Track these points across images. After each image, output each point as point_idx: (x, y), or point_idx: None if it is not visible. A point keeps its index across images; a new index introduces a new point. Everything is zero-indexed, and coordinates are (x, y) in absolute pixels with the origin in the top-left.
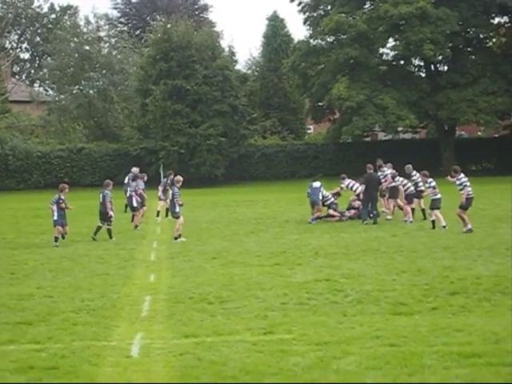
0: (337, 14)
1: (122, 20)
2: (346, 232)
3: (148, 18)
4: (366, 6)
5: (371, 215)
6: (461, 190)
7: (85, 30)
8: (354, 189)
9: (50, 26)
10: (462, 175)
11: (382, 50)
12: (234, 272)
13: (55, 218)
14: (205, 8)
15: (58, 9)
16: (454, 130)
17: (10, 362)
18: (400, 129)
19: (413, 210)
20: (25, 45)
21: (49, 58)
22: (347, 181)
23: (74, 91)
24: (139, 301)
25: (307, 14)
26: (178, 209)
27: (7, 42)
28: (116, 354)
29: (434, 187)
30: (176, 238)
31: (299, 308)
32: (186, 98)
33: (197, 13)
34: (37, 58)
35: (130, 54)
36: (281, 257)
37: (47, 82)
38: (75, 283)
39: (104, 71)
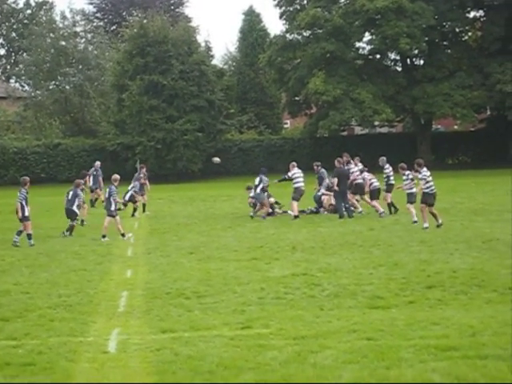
0: (313, 8)
1: (98, 15)
2: (323, 226)
3: (124, 13)
4: (342, 1)
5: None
6: (422, 183)
7: (61, 25)
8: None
9: (25, 21)
10: (425, 169)
11: (358, 45)
12: (211, 267)
13: (27, 213)
14: (180, 3)
15: (33, 4)
16: (431, 123)
17: None
18: (376, 123)
19: (390, 204)
20: (0, 40)
21: (25, 54)
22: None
23: (50, 87)
24: (116, 296)
25: (283, 8)
26: (113, 207)
27: None
28: (93, 349)
29: (411, 179)
30: (104, 236)
31: (276, 302)
32: (163, 93)
33: (172, 8)
34: (12, 54)
35: (106, 49)
36: (258, 251)
37: (23, 77)
38: (52, 279)
39: (80, 66)
